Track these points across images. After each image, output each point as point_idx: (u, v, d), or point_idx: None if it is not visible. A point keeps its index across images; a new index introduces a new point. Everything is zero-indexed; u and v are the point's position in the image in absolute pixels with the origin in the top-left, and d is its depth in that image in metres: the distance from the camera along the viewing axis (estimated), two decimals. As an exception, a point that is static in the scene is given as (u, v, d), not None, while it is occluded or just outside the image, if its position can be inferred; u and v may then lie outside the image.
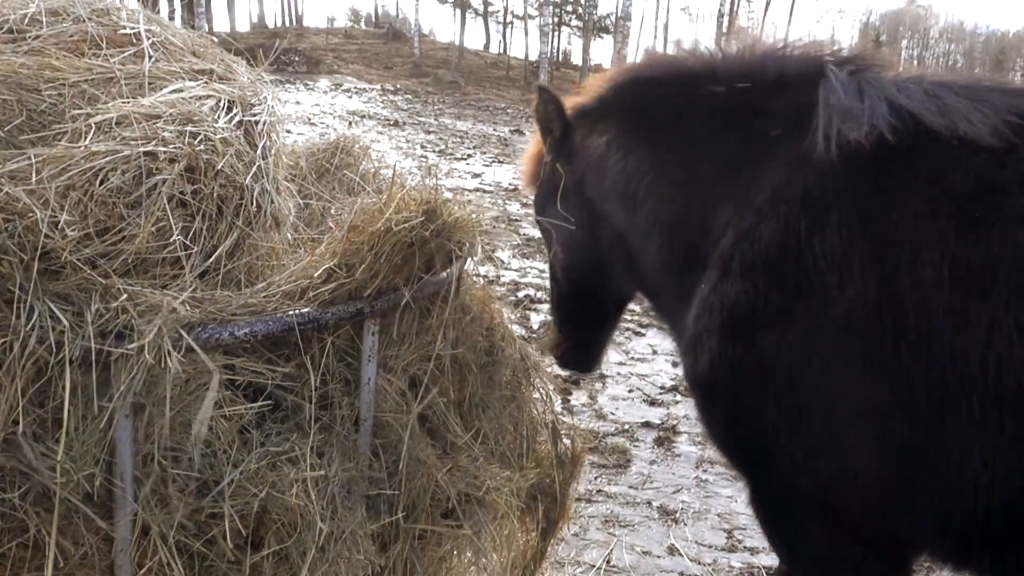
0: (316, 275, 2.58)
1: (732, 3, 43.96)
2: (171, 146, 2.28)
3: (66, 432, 2.01)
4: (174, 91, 2.66)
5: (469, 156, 21.17)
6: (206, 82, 2.89)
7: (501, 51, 53.87)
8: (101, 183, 2.16)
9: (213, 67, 3.06)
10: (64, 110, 2.53)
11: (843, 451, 2.18)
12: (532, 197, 3.69)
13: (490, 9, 56.53)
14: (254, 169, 2.65)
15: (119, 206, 2.19)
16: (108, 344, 2.04)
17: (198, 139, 2.44)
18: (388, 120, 25.64)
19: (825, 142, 2.26)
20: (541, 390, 3.85)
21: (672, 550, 4.77)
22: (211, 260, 2.44)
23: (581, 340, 3.61)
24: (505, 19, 56.39)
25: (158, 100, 2.49)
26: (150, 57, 2.83)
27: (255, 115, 2.86)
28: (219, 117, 2.63)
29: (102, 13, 2.91)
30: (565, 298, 3.45)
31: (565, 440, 3.95)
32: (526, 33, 49.82)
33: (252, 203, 2.60)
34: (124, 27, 2.85)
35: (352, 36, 46.08)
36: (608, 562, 4.56)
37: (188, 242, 2.37)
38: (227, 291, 2.42)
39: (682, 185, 2.70)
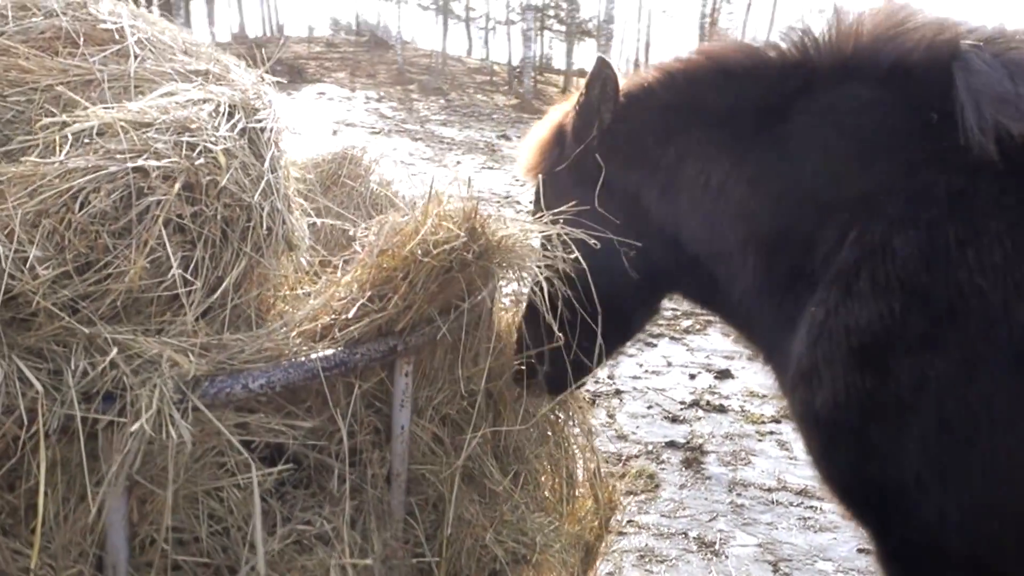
0: (341, 309, 2.17)
1: (713, 5, 43.77)
2: (165, 160, 1.86)
3: (42, 523, 1.59)
4: (166, 94, 2.24)
5: (458, 163, 20.78)
6: (202, 84, 2.48)
7: (484, 57, 53.52)
8: (81, 207, 1.74)
9: (208, 68, 2.64)
10: (33, 118, 2.12)
11: (1011, 503, 1.80)
12: (536, 184, 2.94)
13: (472, 15, 56.16)
14: (262, 185, 2.24)
15: (103, 235, 1.77)
16: (94, 410, 1.63)
17: (196, 151, 2.03)
18: (374, 128, 25.18)
19: (979, 135, 1.87)
20: (581, 425, 3.46)
21: (716, 587, 4.37)
22: (216, 295, 2.03)
23: (585, 359, 2.99)
24: (487, 25, 56.07)
25: (148, 105, 2.08)
26: (135, 56, 2.42)
27: (260, 121, 2.45)
28: (219, 124, 2.22)
29: (78, 6, 2.49)
30: (583, 311, 2.67)
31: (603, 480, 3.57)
32: (509, 38, 49.44)
33: (262, 225, 2.19)
34: (104, 22, 2.43)
35: (334, 45, 45.53)
36: (649, 604, 4.16)
37: (188, 275, 1.95)
38: (237, 333, 2.00)
39: (779, 197, 2.29)
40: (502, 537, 2.57)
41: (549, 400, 3.27)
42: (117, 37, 2.43)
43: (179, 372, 1.72)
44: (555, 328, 2.61)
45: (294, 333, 2.10)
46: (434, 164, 19.40)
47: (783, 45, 2.41)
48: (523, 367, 2.88)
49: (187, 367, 1.73)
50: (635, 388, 7.25)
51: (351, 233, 2.82)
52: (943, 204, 1.89)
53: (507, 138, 26.79)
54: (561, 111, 2.95)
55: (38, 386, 1.55)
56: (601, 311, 2.69)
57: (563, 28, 50.56)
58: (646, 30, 48.46)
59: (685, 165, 2.49)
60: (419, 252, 2.12)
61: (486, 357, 2.78)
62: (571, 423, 3.42)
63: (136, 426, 1.54)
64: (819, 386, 2.03)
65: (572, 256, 2.40)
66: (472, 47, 57.59)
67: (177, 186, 1.90)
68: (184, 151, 1.99)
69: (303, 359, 2.01)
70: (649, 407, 6.85)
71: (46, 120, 1.88)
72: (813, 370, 2.05)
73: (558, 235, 2.40)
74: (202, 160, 1.99)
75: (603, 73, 2.60)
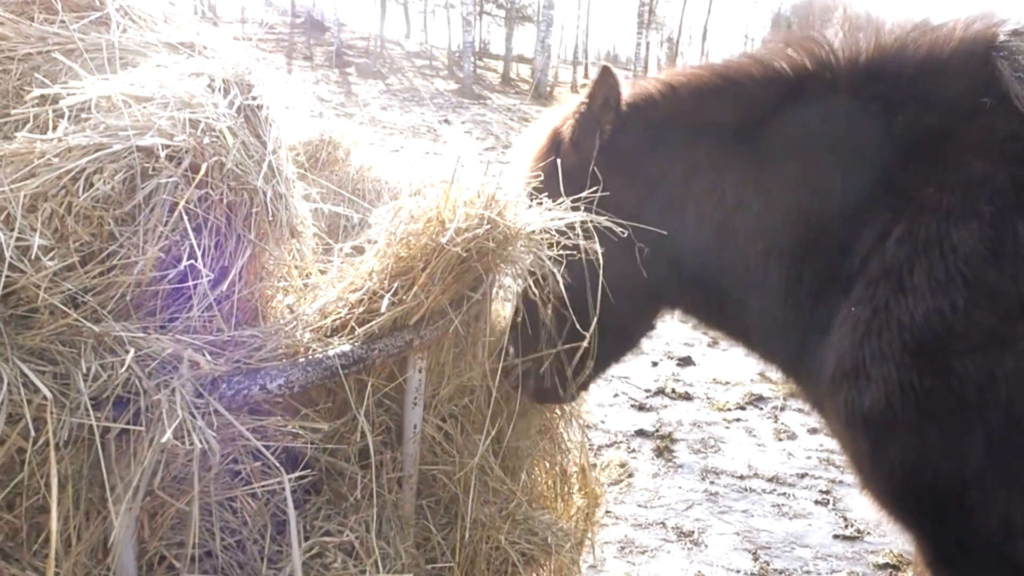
0: (356, 302, 2.01)
1: (653, -8, 43.93)
2: (178, 138, 1.68)
3: (55, 548, 1.40)
4: (157, 67, 2.04)
5: (401, 148, 20.43)
6: (189, 56, 2.29)
7: (423, 40, 52.86)
8: (85, 191, 1.55)
9: (194, 39, 2.44)
10: (11, 90, 1.91)
11: None
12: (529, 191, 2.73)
13: (410, -2, 55.38)
14: (265, 167, 2.06)
15: (108, 221, 1.58)
16: (106, 417, 1.45)
17: (199, 128, 1.85)
18: (312, 113, 24.63)
19: None
20: (575, 419, 3.36)
21: (699, 578, 4.33)
22: (224, 286, 1.85)
23: (583, 373, 2.75)
24: (426, 8, 55.37)
25: (143, 77, 1.88)
26: (117, 25, 2.21)
27: (255, 99, 2.26)
28: (218, 101, 2.03)
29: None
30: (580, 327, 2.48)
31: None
32: (448, 22, 48.91)
33: (267, 211, 2.02)
34: (81, -14, 2.21)
35: (270, 26, 44.43)
36: (633, 597, 4.10)
37: (197, 265, 1.77)
38: (248, 328, 1.83)
39: (805, 206, 2.20)
40: (514, 538, 2.45)
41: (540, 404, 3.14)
42: (97, 3, 2.22)
43: (198, 373, 1.55)
44: (553, 329, 2.50)
45: (307, 328, 1.94)
46: (379, 149, 19.01)
47: (795, 55, 2.33)
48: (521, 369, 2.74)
49: (206, 367, 1.56)
50: (599, 376, 7.18)
51: (353, 219, 2.66)
52: (1008, 195, 1.82)
53: (449, 123, 26.56)
54: (558, 115, 2.79)
55: (46, 392, 1.36)
56: (597, 323, 2.54)
57: (502, 13, 50.29)
58: (586, 16, 48.51)
59: (693, 180, 2.40)
60: (442, 240, 1.98)
61: (488, 351, 2.66)
62: (564, 416, 3.32)
63: (166, 436, 1.37)
64: (867, 386, 1.95)
65: (596, 249, 2.26)
66: (411, 30, 56.87)
67: (184, 166, 1.72)
68: (188, 129, 1.80)
69: (321, 356, 1.85)
70: (615, 395, 6.80)
71: (37, 91, 1.67)
72: (859, 369, 1.97)
73: (581, 223, 2.27)
74: (208, 139, 1.81)
75: (607, 83, 2.47)
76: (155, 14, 2.46)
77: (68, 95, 1.66)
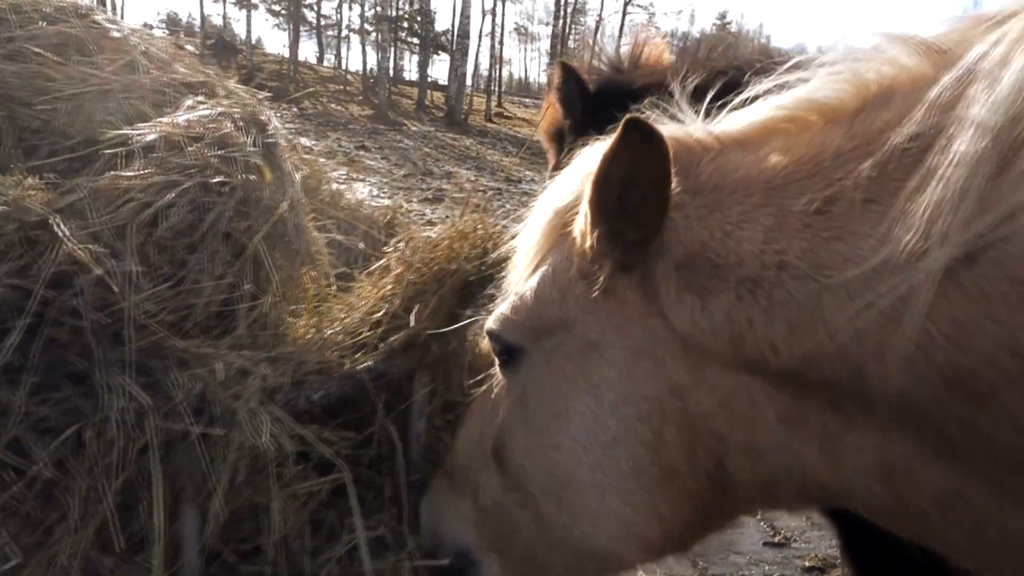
0: (375, 320, 2.23)
1: (564, 25, 45.16)
2: (237, 176, 1.88)
3: (160, 547, 1.57)
4: (190, 107, 2.23)
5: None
6: (206, 96, 2.47)
7: (336, 65, 52.76)
8: (158, 222, 1.74)
9: (203, 79, 2.63)
10: (58, 128, 2.07)
11: None
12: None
13: (324, 23, 55.25)
14: (288, 198, 2.26)
15: (179, 250, 1.77)
16: (189, 423, 1.63)
17: (242, 165, 2.05)
18: (228, 136, 24.25)
19: None
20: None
21: (644, 584, 4.61)
22: (265, 307, 2.04)
23: None
24: (340, 33, 55.37)
25: (188, 118, 2.07)
26: (143, 67, 2.38)
27: (270, 135, 2.46)
28: (247, 139, 2.23)
29: (73, 12, 2.42)
30: None
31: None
32: (363, 49, 49.03)
33: (295, 240, 2.22)
34: (109, 31, 2.38)
35: (179, 47, 43.66)
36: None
37: (241, 290, 1.97)
38: (293, 346, 2.03)
39: None
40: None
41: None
42: (124, 46, 2.39)
43: (264, 385, 1.74)
44: None
45: (336, 346, 2.14)
46: (347, 179, 18.94)
47: None
48: None
49: (272, 380, 1.76)
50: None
51: (357, 247, 2.86)
52: None
53: (366, 148, 26.62)
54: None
55: (147, 400, 1.54)
56: None
57: (416, 40, 50.61)
58: (499, 47, 49.29)
59: None
60: (453, 266, 2.21)
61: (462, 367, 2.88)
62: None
63: (263, 438, 1.57)
64: None
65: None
66: (323, 55, 56.61)
67: (235, 200, 1.92)
68: (233, 166, 2.00)
69: (352, 371, 2.06)
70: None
71: (112, 132, 1.84)
72: None
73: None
74: (252, 176, 2.01)
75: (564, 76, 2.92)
76: (168, 55, 2.63)
77: (137, 135, 1.84)
